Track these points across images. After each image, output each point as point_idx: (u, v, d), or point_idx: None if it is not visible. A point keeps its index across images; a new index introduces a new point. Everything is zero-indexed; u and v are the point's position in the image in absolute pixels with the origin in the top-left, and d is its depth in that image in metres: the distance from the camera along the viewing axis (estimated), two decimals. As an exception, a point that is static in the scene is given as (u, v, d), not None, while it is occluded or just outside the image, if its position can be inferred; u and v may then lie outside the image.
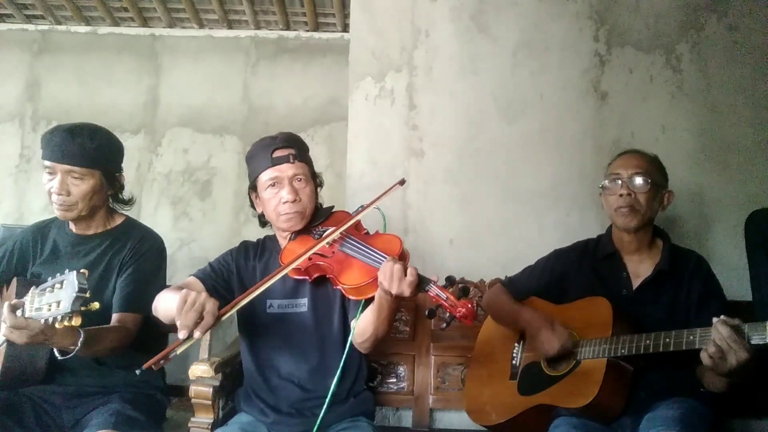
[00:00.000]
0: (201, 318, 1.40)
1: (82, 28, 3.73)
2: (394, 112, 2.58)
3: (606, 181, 1.87)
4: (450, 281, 1.44)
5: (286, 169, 1.71)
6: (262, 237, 1.92)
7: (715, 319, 1.47)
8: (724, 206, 2.48)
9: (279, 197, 1.71)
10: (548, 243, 2.12)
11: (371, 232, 1.75)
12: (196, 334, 1.39)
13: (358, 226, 1.75)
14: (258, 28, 3.67)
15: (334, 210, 1.84)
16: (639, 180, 1.81)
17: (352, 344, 1.66)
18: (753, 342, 1.43)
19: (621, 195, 1.81)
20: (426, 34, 2.60)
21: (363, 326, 1.61)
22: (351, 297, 1.58)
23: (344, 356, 1.65)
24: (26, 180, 3.65)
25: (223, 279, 1.78)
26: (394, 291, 1.42)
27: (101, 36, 3.73)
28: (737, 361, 1.42)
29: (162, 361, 1.36)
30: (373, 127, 2.58)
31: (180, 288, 1.68)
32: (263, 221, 1.86)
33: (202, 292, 1.47)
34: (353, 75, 2.61)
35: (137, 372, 1.34)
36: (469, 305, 1.39)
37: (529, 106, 2.55)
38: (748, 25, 2.54)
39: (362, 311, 1.61)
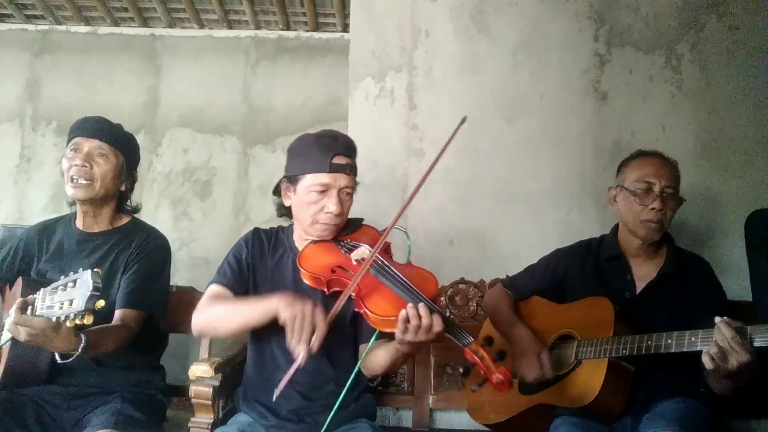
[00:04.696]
0: (314, 330, 1.38)
1: (82, 28, 3.73)
2: (394, 112, 2.57)
3: (636, 188, 1.79)
4: (488, 342, 1.40)
5: (340, 179, 1.62)
6: (275, 228, 1.84)
7: (717, 320, 1.46)
8: (723, 206, 2.48)
9: (322, 205, 1.62)
10: (548, 243, 2.11)
11: (392, 250, 1.69)
12: (315, 347, 1.37)
13: (387, 249, 1.68)
14: (258, 28, 3.67)
15: (363, 223, 1.78)
16: (672, 196, 1.79)
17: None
18: (756, 344, 1.43)
19: (654, 209, 1.76)
20: (426, 34, 2.60)
21: (372, 365, 1.57)
22: (372, 325, 1.47)
23: (351, 379, 1.54)
24: (26, 180, 3.65)
25: (245, 278, 1.71)
26: (419, 340, 1.37)
27: (101, 36, 3.72)
28: (738, 363, 1.42)
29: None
30: (373, 127, 2.57)
31: (218, 298, 1.63)
32: (282, 212, 1.78)
33: (305, 299, 1.42)
34: (353, 75, 2.61)
35: (274, 398, 1.40)
36: (507, 372, 1.34)
37: (529, 106, 2.55)
38: (748, 25, 2.53)
39: (375, 339, 1.54)
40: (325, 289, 1.59)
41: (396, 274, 1.51)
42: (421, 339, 1.37)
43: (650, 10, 2.57)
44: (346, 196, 1.66)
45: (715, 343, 1.44)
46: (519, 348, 1.82)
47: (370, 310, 1.44)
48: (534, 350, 1.77)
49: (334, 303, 1.57)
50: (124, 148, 1.91)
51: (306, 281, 1.60)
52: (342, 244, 1.68)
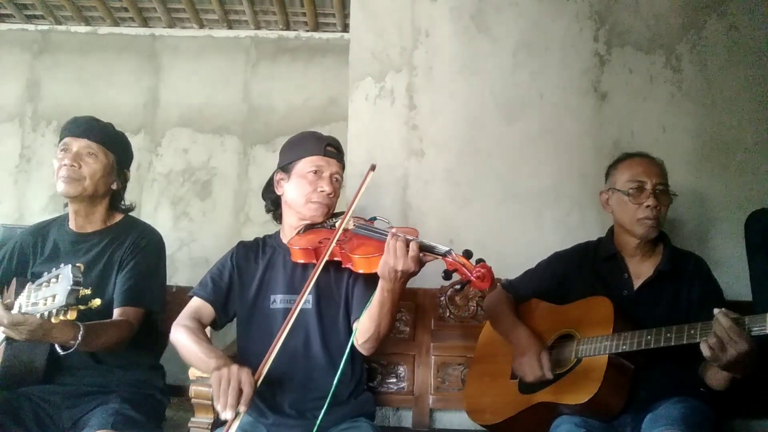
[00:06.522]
0: (241, 391, 1.42)
1: (82, 28, 3.73)
2: (394, 112, 2.57)
3: (628, 188, 1.83)
4: (467, 254, 1.45)
5: (333, 164, 1.79)
6: (261, 236, 1.91)
7: (716, 311, 1.48)
8: (723, 206, 2.48)
9: (317, 185, 1.76)
10: (548, 243, 2.11)
11: None
12: (242, 409, 1.42)
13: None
14: (258, 28, 3.67)
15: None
16: (665, 192, 1.82)
17: (353, 345, 1.65)
18: (753, 333, 1.44)
19: (648, 206, 1.79)
20: (426, 34, 2.60)
21: (365, 324, 1.61)
22: (361, 270, 1.59)
23: (345, 357, 1.63)
24: (26, 180, 3.66)
25: (225, 291, 1.78)
26: (399, 267, 1.43)
27: (101, 36, 3.73)
28: (737, 352, 1.43)
29: None
30: (373, 127, 2.57)
31: (190, 325, 1.68)
32: (270, 208, 1.88)
33: (233, 365, 1.47)
34: (353, 75, 2.61)
35: None
36: (487, 266, 1.40)
37: (529, 106, 2.55)
38: (748, 25, 2.53)
39: (370, 301, 1.60)
40: (315, 260, 1.68)
41: (377, 228, 1.66)
42: (402, 267, 1.44)
43: (650, 10, 2.57)
44: (336, 183, 1.80)
45: (714, 334, 1.45)
46: (519, 348, 1.83)
47: (354, 254, 1.58)
48: (534, 350, 1.77)
49: (325, 287, 1.75)
50: (114, 146, 1.91)
51: (298, 260, 1.71)
52: (326, 224, 1.79)
